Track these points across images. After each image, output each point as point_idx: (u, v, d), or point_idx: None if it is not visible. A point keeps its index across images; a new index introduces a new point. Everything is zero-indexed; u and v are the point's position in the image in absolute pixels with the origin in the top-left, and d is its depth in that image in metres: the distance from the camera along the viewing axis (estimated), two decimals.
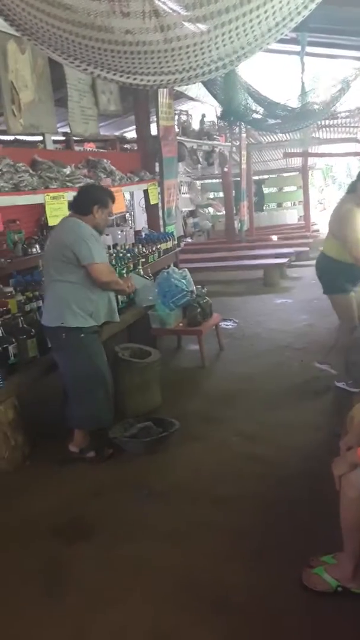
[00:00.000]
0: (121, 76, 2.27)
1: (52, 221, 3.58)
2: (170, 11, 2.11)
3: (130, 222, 10.38)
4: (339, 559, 2.16)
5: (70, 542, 2.56)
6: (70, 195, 3.88)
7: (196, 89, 7.16)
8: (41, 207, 3.82)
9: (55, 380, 3.40)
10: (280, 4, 2.12)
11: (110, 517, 2.73)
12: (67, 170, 3.95)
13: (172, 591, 2.21)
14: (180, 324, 4.87)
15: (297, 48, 6.01)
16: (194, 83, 3.55)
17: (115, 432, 3.37)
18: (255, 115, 6.05)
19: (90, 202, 3.10)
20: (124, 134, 9.31)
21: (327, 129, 9.52)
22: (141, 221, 8.95)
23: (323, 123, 8.83)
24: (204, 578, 2.27)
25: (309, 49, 6.11)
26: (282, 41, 4.89)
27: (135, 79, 2.30)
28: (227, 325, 5.93)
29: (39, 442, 3.40)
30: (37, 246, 5.70)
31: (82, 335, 3.06)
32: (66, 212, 3.70)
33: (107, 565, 2.38)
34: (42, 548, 2.53)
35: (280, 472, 3.01)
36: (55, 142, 5.99)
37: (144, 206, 7.62)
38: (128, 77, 2.28)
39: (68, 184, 3.86)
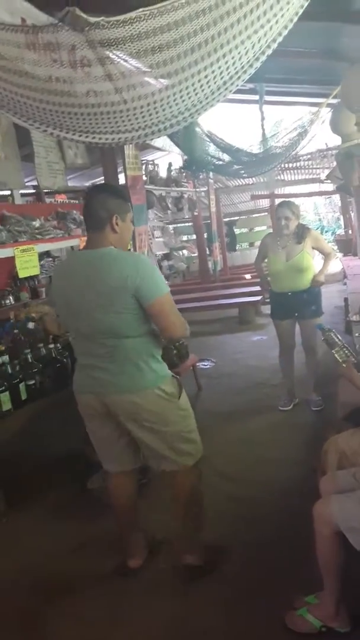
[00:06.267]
0: (80, 136, 2.37)
1: (23, 273, 3.62)
2: (133, 69, 2.21)
3: None
4: (321, 598, 2.14)
5: (50, 598, 2.50)
6: (40, 247, 3.93)
7: (162, 140, 7.40)
8: (13, 260, 3.86)
9: (31, 434, 3.35)
10: (234, 59, 2.25)
11: (89, 571, 2.67)
12: (37, 223, 4.03)
13: None
14: None
15: (256, 97, 6.34)
16: (153, 139, 3.70)
17: (94, 483, 3.33)
18: (218, 162, 6.27)
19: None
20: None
21: (291, 171, 9.89)
22: None
23: (287, 166, 9.17)
24: (184, 625, 2.23)
25: (267, 97, 6.44)
26: (241, 91, 5.17)
27: (94, 137, 2.40)
28: (204, 365, 5.96)
29: (15, 498, 3.33)
30: (11, 297, 5.70)
31: None
32: (36, 263, 3.75)
33: (86, 620, 2.33)
34: (21, 604, 2.47)
35: (260, 511, 3.00)
36: (25, 195, 6.11)
37: None
38: (87, 137, 2.38)
39: (37, 236, 3.93)
